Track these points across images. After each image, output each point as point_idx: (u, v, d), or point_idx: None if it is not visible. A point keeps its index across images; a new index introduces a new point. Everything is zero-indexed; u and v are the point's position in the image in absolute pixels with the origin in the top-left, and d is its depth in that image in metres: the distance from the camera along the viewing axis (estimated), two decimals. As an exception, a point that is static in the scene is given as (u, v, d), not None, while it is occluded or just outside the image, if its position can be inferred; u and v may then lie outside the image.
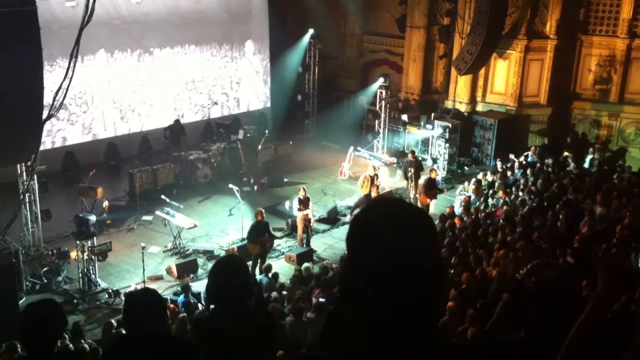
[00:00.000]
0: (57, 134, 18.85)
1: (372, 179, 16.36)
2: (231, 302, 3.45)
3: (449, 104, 22.21)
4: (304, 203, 15.10)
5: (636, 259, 2.12)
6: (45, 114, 12.21)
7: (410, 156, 18.15)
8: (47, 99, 12.30)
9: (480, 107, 22.05)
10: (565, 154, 19.70)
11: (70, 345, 9.16)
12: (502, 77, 21.68)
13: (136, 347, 3.47)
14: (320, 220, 16.73)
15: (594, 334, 1.95)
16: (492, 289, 10.25)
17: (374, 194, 15.52)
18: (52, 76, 15.32)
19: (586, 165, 19.08)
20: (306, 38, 23.02)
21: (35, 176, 14.06)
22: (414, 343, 1.59)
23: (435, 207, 17.05)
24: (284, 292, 11.82)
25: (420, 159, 18.89)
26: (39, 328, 3.39)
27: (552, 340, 2.05)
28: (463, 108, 21.86)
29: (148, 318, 3.47)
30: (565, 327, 2.00)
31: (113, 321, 10.91)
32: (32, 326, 3.43)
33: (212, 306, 10.40)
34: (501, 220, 14.07)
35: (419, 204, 17.16)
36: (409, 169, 17.56)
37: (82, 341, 9.93)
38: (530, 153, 19.72)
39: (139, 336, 3.53)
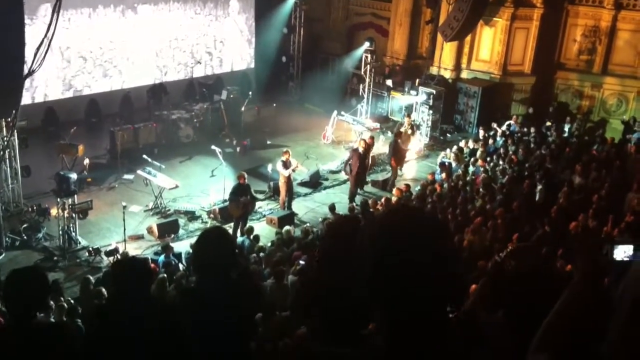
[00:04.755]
0: (37, 89, 18.57)
1: (368, 145, 16.39)
2: (215, 273, 3.47)
3: (433, 70, 22.15)
4: (287, 166, 15.08)
5: (611, 250, 2.22)
6: (25, 70, 11.98)
7: (406, 120, 18.21)
8: (28, 53, 12.06)
9: (464, 75, 22.03)
10: (548, 123, 19.83)
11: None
12: (488, 45, 21.64)
13: (125, 313, 3.51)
14: (302, 184, 16.76)
15: (573, 314, 2.03)
16: (464, 258, 10.41)
17: (361, 149, 15.78)
18: (32, 30, 14.98)
19: (565, 134, 19.22)
20: (292, -1, 22.76)
21: (16, 132, 13.88)
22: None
23: (417, 172, 17.12)
24: (261, 254, 11.87)
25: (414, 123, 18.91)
26: (18, 296, 3.40)
27: (529, 324, 2.14)
28: (448, 75, 21.83)
29: (136, 286, 3.50)
30: (543, 313, 2.08)
31: (90, 277, 10.93)
32: (12, 292, 3.43)
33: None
34: (480, 189, 14.21)
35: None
36: (404, 131, 17.62)
37: (62, 299, 9.94)
38: (512, 122, 19.82)
39: (127, 301, 3.57)
